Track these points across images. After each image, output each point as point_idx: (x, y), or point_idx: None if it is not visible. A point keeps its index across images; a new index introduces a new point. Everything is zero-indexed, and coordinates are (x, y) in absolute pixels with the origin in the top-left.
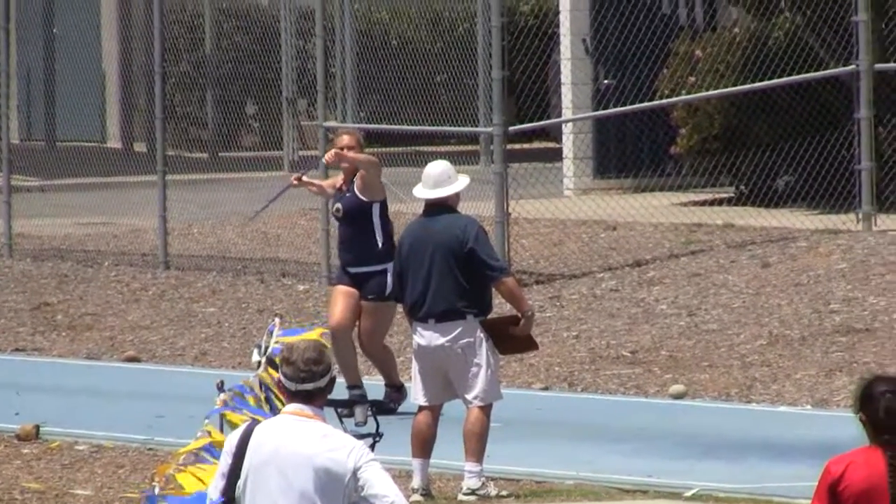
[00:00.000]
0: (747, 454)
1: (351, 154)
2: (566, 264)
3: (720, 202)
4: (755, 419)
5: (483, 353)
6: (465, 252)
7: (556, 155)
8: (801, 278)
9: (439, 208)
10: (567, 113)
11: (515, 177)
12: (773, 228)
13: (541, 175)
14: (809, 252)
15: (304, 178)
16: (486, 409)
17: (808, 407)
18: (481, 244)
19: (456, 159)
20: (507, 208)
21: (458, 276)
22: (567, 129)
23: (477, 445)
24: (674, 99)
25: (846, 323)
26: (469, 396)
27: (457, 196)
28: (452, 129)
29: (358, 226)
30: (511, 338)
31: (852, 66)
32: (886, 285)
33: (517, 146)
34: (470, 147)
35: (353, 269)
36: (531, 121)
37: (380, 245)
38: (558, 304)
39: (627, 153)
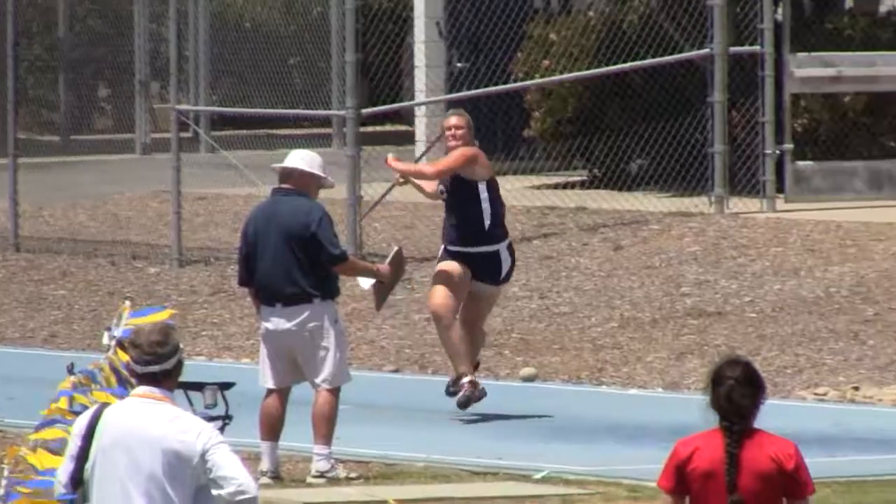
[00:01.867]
0: (598, 437)
1: (407, 166)
2: (417, 247)
3: (573, 185)
4: (606, 402)
5: (331, 336)
6: (308, 236)
7: (409, 138)
8: (652, 261)
9: (291, 191)
10: (420, 96)
11: (368, 160)
12: (626, 211)
13: None
14: (661, 235)
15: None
16: (334, 392)
17: (659, 390)
18: (324, 229)
19: (309, 142)
20: (359, 191)
21: (303, 260)
22: (420, 112)
23: (325, 428)
24: (528, 82)
25: (697, 306)
26: (317, 380)
27: (312, 178)
28: (305, 111)
29: (463, 205)
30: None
31: (706, 50)
32: (738, 268)
33: (370, 129)
34: (323, 130)
35: (455, 248)
36: (384, 103)
37: (486, 226)
38: (409, 286)
39: (481, 136)
